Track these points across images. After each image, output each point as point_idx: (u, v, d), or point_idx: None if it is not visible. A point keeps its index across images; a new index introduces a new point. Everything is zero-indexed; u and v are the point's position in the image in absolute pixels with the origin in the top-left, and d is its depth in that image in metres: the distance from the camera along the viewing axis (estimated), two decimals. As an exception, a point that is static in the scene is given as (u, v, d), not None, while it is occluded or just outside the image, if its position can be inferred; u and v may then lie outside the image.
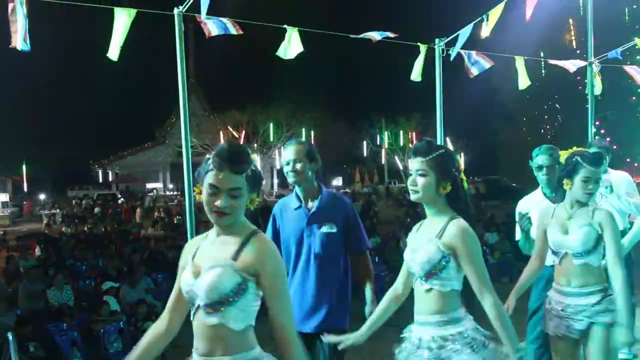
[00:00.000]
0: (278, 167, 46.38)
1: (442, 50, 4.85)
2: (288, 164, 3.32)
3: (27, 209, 34.26)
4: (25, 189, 42.26)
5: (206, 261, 2.05)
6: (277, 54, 4.17)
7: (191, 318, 2.10)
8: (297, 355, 2.01)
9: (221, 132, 40.78)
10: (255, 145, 42.34)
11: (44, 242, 15.55)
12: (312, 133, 41.19)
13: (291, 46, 4.11)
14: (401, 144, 42.13)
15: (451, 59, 4.84)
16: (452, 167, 2.52)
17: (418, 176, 2.49)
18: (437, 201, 2.53)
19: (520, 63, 5.15)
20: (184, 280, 2.10)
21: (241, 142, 41.13)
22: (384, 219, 20.92)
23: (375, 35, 4.57)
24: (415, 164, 2.51)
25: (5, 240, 18.38)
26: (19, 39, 3.44)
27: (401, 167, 43.21)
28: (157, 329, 2.24)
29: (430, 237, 2.51)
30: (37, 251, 14.80)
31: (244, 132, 41.47)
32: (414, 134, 41.05)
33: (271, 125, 41.09)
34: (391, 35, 4.63)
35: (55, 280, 8.26)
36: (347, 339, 2.78)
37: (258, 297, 2.03)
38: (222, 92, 46.17)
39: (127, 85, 54.59)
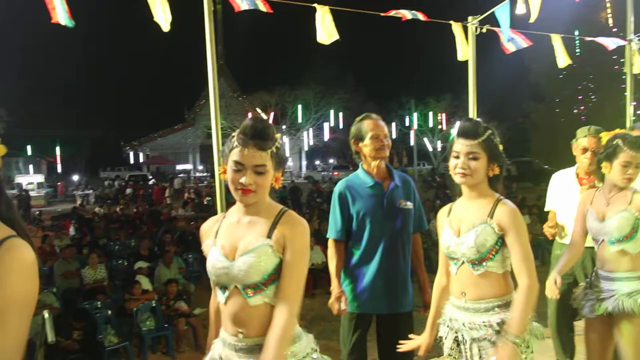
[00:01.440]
0: (306, 148, 46.42)
1: (475, 28, 4.73)
2: (377, 137, 3.19)
3: (61, 190, 34.98)
4: (60, 170, 43.10)
5: (238, 243, 2.02)
6: (318, 40, 4.09)
7: (221, 301, 2.06)
8: (286, 328, 1.93)
9: (250, 114, 40.85)
10: (284, 126, 42.36)
11: (78, 222, 15.88)
12: (340, 115, 41.01)
13: (326, 29, 4.03)
14: (430, 125, 41.67)
15: (504, 41, 4.68)
16: (498, 147, 2.45)
17: (470, 159, 2.40)
18: (481, 183, 2.47)
19: (557, 41, 5.01)
20: (214, 263, 2.06)
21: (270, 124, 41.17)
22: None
23: (406, 14, 4.48)
24: (465, 146, 2.41)
25: (40, 219, 18.83)
26: (60, 14, 3.45)
27: (430, 149, 42.81)
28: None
29: (480, 220, 2.42)
30: (72, 231, 15.13)
31: (272, 113, 41.47)
32: (443, 115, 40.56)
33: (300, 106, 40.99)
34: (422, 17, 4.53)
35: (89, 260, 8.44)
36: (421, 346, 2.72)
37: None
38: (251, 73, 46.28)
39: (157, 67, 55.09)
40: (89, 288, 7.82)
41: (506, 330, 2.30)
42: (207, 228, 2.19)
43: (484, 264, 2.41)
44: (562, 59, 5.07)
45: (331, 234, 3.29)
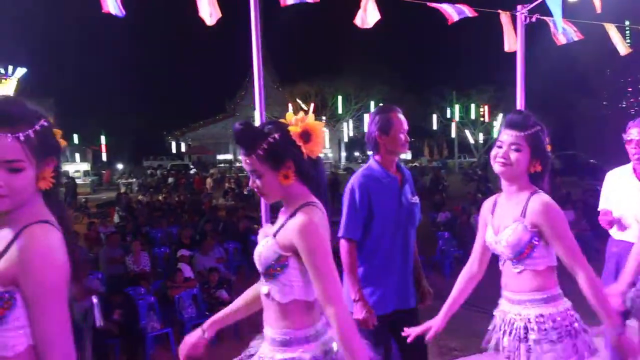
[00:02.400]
0: (346, 139, 46.36)
1: (525, 17, 4.60)
2: (403, 132, 3.14)
3: (106, 178, 35.86)
4: (105, 158, 44.19)
5: (263, 235, 2.08)
6: (355, 22, 4.05)
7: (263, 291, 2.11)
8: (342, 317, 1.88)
9: (290, 105, 41.01)
10: (324, 117, 42.37)
11: (123, 209, 16.24)
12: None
13: (368, 13, 3.99)
14: (472, 117, 41.07)
15: (557, 31, 4.55)
16: (545, 145, 2.39)
17: (512, 150, 2.36)
18: (521, 178, 2.41)
19: (612, 30, 4.83)
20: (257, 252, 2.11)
21: (310, 114, 41.25)
22: (453, 194, 20.56)
23: (453, 14, 4.38)
24: (509, 136, 2.37)
25: (86, 207, 19.32)
26: (111, 4, 3.51)
27: (472, 141, 42.21)
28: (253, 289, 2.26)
29: (514, 217, 2.39)
30: (116, 218, 15.49)
31: (312, 104, 41.54)
32: (486, 107, 39.93)
33: (340, 97, 40.94)
34: (469, 13, 4.43)
35: (132, 247, 8.62)
36: (430, 330, 2.66)
37: (303, 273, 1.95)
38: (291, 64, 46.36)
39: (199, 58, 55.75)
40: (133, 275, 7.98)
41: (607, 328, 2.26)
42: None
43: (522, 261, 2.38)
44: (622, 47, 4.90)
45: (349, 233, 3.07)
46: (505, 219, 2.44)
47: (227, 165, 45.48)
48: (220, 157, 52.10)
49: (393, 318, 3.13)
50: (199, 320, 6.72)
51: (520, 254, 2.36)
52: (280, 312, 1.99)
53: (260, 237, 2.11)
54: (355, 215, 3.07)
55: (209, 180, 27.74)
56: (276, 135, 1.96)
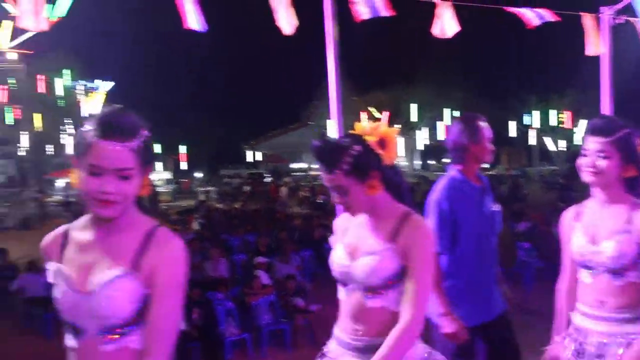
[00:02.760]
0: (420, 147, 45.80)
1: (611, 19, 4.40)
2: (490, 141, 3.13)
3: (186, 186, 37.10)
4: (185, 167, 45.70)
5: (361, 243, 2.03)
6: (432, 31, 4.03)
7: (341, 297, 2.10)
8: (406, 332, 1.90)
9: (363, 113, 40.99)
10: (397, 126, 42.04)
11: (201, 217, 16.74)
12: (456, 113, 40.03)
13: (446, 23, 3.95)
14: (553, 123, 39.56)
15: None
16: (636, 148, 2.25)
17: (599, 158, 2.23)
18: (615, 186, 2.29)
19: None
20: (336, 260, 2.10)
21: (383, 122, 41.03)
22: (533, 203, 19.87)
23: (533, 20, 4.26)
24: (594, 144, 2.24)
25: (167, 214, 20.05)
26: (193, 19, 3.66)
27: (553, 149, 40.68)
28: None
29: (619, 227, 2.25)
30: (195, 225, 15.98)
31: (386, 112, 41.32)
32: (567, 112, 38.35)
33: (414, 105, 40.51)
34: (551, 18, 4.29)
35: (211, 254, 8.86)
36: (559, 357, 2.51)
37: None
38: (365, 72, 46.31)
39: (274, 68, 56.79)
40: (211, 281, 8.20)
41: None
42: (339, 224, 2.23)
43: (627, 274, 2.23)
44: None
45: (440, 247, 3.00)
46: (605, 228, 2.30)
47: (303, 173, 45.98)
48: (294, 165, 52.73)
49: (483, 330, 3.08)
50: (276, 326, 6.83)
51: (626, 266, 2.23)
52: (391, 320, 1.95)
53: (341, 251, 2.09)
54: (444, 227, 3.02)
55: (283, 189, 28.12)
56: (358, 147, 1.96)
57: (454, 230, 3.03)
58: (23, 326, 7.97)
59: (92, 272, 1.61)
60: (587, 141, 2.30)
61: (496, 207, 3.21)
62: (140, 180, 1.62)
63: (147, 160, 1.64)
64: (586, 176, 2.29)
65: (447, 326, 2.93)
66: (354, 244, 2.06)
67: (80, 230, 1.70)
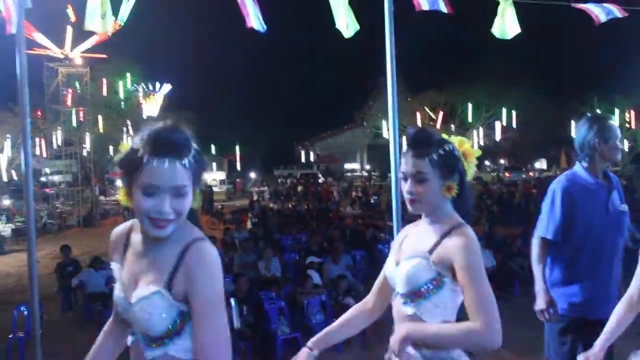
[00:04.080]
0: (476, 148, 44.91)
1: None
2: (619, 141, 3.20)
3: (239, 186, 37.70)
4: (239, 167, 46.39)
5: (408, 250, 2.03)
6: (493, 31, 3.94)
7: (392, 301, 2.10)
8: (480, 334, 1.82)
9: (418, 114, 40.57)
10: (453, 126, 41.39)
11: (255, 217, 16.97)
12: (514, 113, 39.09)
13: (507, 24, 3.86)
14: (616, 124, 38.14)
15: None
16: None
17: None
18: None
19: None
20: (388, 265, 2.11)
21: (438, 123, 40.56)
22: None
23: (601, 16, 4.10)
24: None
25: (222, 213, 20.42)
26: (253, 19, 3.73)
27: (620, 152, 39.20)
28: (360, 307, 2.27)
29: None
30: (249, 224, 16.21)
31: (441, 113, 40.76)
32: (632, 112, 36.86)
33: (470, 105, 39.80)
34: (619, 13, 4.13)
35: (264, 253, 8.97)
36: None
37: (456, 293, 1.91)
38: (419, 72, 45.85)
39: (328, 70, 56.99)
40: (264, 280, 8.30)
41: None
42: (401, 233, 2.22)
43: None
44: None
45: (545, 232, 3.18)
46: None
47: (356, 174, 45.93)
48: (347, 166, 52.77)
49: (584, 327, 3.09)
50: (327, 326, 6.85)
51: None
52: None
53: (392, 256, 2.09)
54: (552, 215, 3.15)
55: (336, 189, 28.17)
56: (451, 146, 1.98)
57: (566, 220, 3.10)
58: (84, 320, 8.27)
59: (136, 284, 1.65)
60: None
61: (623, 207, 3.19)
62: (193, 194, 1.63)
63: (198, 174, 1.64)
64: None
65: (538, 303, 3.15)
66: (405, 248, 2.06)
67: (137, 234, 1.73)
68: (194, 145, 1.62)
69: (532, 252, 3.23)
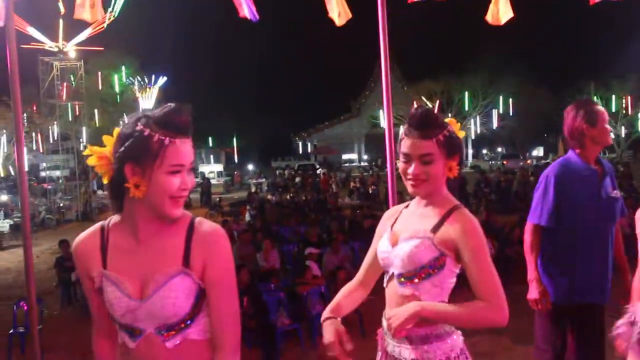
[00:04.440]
0: (473, 136, 44.98)
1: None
2: (608, 124, 3.20)
3: (237, 178, 37.69)
4: (236, 160, 46.40)
5: (405, 231, 2.02)
6: (486, 18, 3.93)
7: (384, 285, 2.11)
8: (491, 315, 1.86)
9: (414, 103, 40.55)
10: (450, 114, 41.38)
11: (253, 209, 16.96)
12: (510, 101, 39.10)
13: (500, 10, 3.84)
14: (613, 110, 38.14)
15: None
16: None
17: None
18: None
19: None
20: (380, 247, 2.11)
21: (435, 112, 40.51)
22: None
23: None
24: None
25: (220, 206, 20.42)
26: (246, 9, 3.72)
27: (613, 136, 39.25)
28: (354, 283, 2.29)
29: None
30: (247, 216, 16.21)
31: (438, 102, 40.75)
32: (628, 98, 36.87)
33: (466, 94, 39.79)
34: None
35: (263, 245, 8.96)
36: None
37: (454, 274, 1.96)
38: (415, 62, 45.81)
39: (324, 60, 56.83)
40: (263, 271, 8.30)
41: None
42: (390, 214, 2.22)
43: None
44: None
45: (538, 219, 3.17)
46: None
47: (353, 164, 45.91)
48: (345, 156, 52.78)
49: (576, 312, 3.12)
50: (326, 317, 6.86)
51: None
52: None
53: (386, 237, 2.09)
54: (544, 201, 3.16)
55: (334, 180, 28.16)
56: (452, 129, 1.99)
57: (559, 207, 3.10)
58: (84, 314, 8.27)
59: (147, 277, 1.63)
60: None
61: (615, 193, 3.19)
62: None
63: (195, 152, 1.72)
64: None
65: (530, 292, 3.13)
66: (399, 230, 2.06)
67: (118, 233, 1.71)
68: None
69: (525, 240, 3.25)
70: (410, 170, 1.95)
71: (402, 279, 1.97)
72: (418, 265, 1.92)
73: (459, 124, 2.10)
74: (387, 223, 2.16)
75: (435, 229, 1.93)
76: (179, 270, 1.61)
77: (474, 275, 1.86)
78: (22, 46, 21.41)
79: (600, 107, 3.19)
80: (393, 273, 2.02)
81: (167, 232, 1.65)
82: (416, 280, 1.93)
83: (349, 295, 2.24)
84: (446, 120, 2.04)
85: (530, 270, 3.17)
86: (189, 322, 1.63)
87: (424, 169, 1.93)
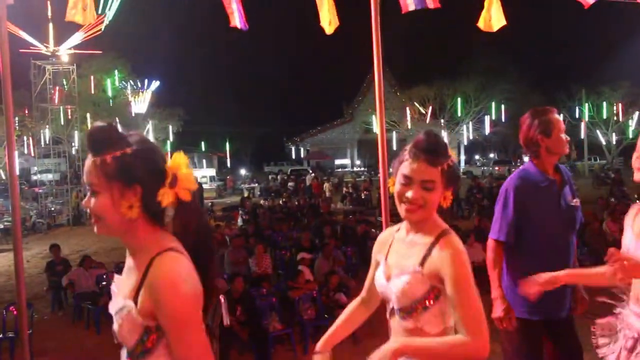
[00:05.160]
0: (465, 142, 45.15)
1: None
2: (563, 133, 3.10)
3: (230, 183, 37.60)
4: (229, 164, 46.28)
5: (396, 267, 2.01)
6: (478, 25, 3.94)
7: (387, 316, 2.09)
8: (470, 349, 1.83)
9: (407, 108, 40.65)
10: (442, 120, 41.53)
11: (246, 213, 16.92)
12: (503, 107, 39.28)
13: (493, 16, 3.86)
14: (604, 116, 38.38)
15: None
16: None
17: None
18: None
19: None
20: (377, 280, 2.10)
21: (428, 118, 40.64)
22: (583, 198, 19.29)
23: None
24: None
25: (212, 210, 20.36)
26: (237, 19, 3.72)
27: (604, 142, 39.49)
28: (357, 303, 2.29)
29: None
30: (239, 221, 16.18)
31: (430, 107, 40.89)
32: (619, 104, 37.13)
33: (459, 100, 39.96)
34: None
35: (255, 250, 8.95)
36: None
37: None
38: (409, 67, 45.96)
39: (317, 66, 56.95)
40: (255, 276, 8.29)
41: None
42: (383, 240, 2.19)
43: None
44: None
45: (497, 234, 3.08)
46: None
47: (346, 169, 45.94)
48: (338, 161, 52.83)
49: (546, 327, 3.04)
50: (318, 322, 6.85)
51: None
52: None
53: (381, 270, 2.07)
54: (504, 217, 3.07)
55: (327, 185, 28.15)
56: (454, 160, 1.97)
57: (518, 221, 3.02)
58: (74, 320, 8.23)
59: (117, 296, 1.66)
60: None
61: (575, 202, 3.10)
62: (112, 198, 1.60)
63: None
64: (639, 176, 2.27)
65: (494, 310, 2.99)
66: (392, 263, 2.04)
67: None
68: (125, 148, 1.60)
69: (487, 256, 3.14)
70: (409, 194, 1.91)
71: (402, 314, 1.96)
72: (413, 300, 1.91)
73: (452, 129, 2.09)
74: (382, 250, 2.14)
75: (423, 261, 1.91)
76: (125, 302, 1.56)
77: (456, 308, 1.83)
78: (21, 51, 21.41)
79: (556, 116, 3.10)
80: (393, 307, 2.01)
81: (140, 257, 1.60)
82: (415, 315, 1.93)
83: (349, 317, 2.26)
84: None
85: (493, 288, 3.05)
86: (142, 355, 1.55)
87: (423, 194, 1.90)
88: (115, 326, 1.60)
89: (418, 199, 1.90)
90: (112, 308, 1.63)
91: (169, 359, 1.53)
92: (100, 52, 24.56)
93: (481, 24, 3.94)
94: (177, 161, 1.62)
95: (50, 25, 22.21)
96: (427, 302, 1.90)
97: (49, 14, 21.11)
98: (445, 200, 1.95)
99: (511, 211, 3.03)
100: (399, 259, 2.00)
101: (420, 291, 1.90)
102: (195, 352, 1.50)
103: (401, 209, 1.95)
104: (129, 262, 1.65)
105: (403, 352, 1.83)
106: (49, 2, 20.83)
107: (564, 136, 3.05)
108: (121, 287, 1.64)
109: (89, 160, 1.57)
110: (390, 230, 2.17)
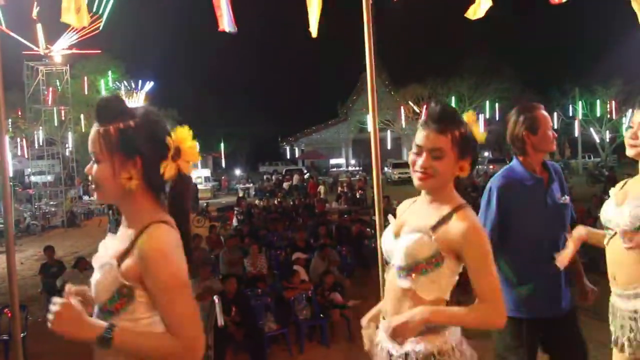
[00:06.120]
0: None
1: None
2: (550, 130, 3.02)
3: (224, 183, 37.56)
4: (224, 165, 46.17)
5: (408, 225, 2.03)
6: (466, 15, 3.95)
7: (386, 275, 2.12)
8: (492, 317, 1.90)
9: (402, 107, 40.71)
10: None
11: (240, 214, 16.91)
12: (497, 105, 39.38)
13: (481, 6, 3.87)
14: (598, 114, 38.53)
15: None
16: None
17: None
18: None
19: None
20: (385, 237, 2.13)
21: (422, 117, 40.71)
22: (577, 196, 19.36)
23: None
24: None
25: (207, 211, 20.33)
26: (226, 22, 3.72)
27: (597, 140, 39.64)
28: None
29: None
30: (235, 222, 16.16)
31: (424, 106, 40.94)
32: (613, 102, 37.26)
33: (453, 98, 40.03)
34: None
35: (250, 250, 8.94)
36: None
37: (454, 273, 1.95)
38: (402, 67, 45.98)
39: (311, 65, 56.95)
40: (251, 276, 8.28)
41: None
42: (401, 207, 2.23)
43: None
44: None
45: None
46: (635, 192, 2.47)
47: (341, 169, 45.93)
48: (332, 161, 52.84)
49: (541, 326, 2.99)
50: (314, 322, 6.85)
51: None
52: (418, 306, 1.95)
53: (390, 229, 2.10)
54: (486, 215, 3.00)
55: (321, 187, 28.14)
56: (468, 129, 1.98)
57: (502, 220, 2.96)
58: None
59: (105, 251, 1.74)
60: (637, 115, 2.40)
61: (564, 199, 3.04)
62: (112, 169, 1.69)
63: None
64: (630, 151, 2.41)
65: None
66: (404, 221, 2.07)
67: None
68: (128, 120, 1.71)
69: None
70: (419, 162, 1.94)
71: (401, 272, 1.97)
72: (415, 259, 1.93)
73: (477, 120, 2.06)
74: (397, 213, 2.18)
75: (436, 227, 1.93)
76: (109, 260, 1.62)
77: (476, 278, 1.87)
78: (24, 52, 21.28)
79: (543, 112, 3.03)
80: (393, 264, 2.03)
81: (131, 226, 1.66)
82: (413, 275, 1.94)
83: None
84: (465, 116, 2.02)
85: None
86: (111, 312, 1.61)
87: (432, 163, 1.92)
88: (93, 279, 1.66)
89: (427, 167, 1.93)
90: (96, 262, 1.69)
91: (132, 324, 1.59)
92: (99, 51, 24.42)
93: (469, 13, 3.95)
94: (181, 134, 1.70)
95: (39, 26, 22.07)
96: (427, 267, 1.91)
97: (35, 15, 20.92)
98: (463, 171, 1.96)
99: (494, 211, 2.97)
100: (412, 218, 2.04)
101: (424, 253, 1.91)
102: (186, 318, 1.58)
103: (414, 177, 1.99)
104: (123, 228, 1.71)
105: (430, 321, 1.87)
106: (35, 3, 20.69)
107: (551, 133, 3.00)
108: (109, 247, 1.70)
109: (94, 129, 1.69)
110: (407, 201, 2.21)
